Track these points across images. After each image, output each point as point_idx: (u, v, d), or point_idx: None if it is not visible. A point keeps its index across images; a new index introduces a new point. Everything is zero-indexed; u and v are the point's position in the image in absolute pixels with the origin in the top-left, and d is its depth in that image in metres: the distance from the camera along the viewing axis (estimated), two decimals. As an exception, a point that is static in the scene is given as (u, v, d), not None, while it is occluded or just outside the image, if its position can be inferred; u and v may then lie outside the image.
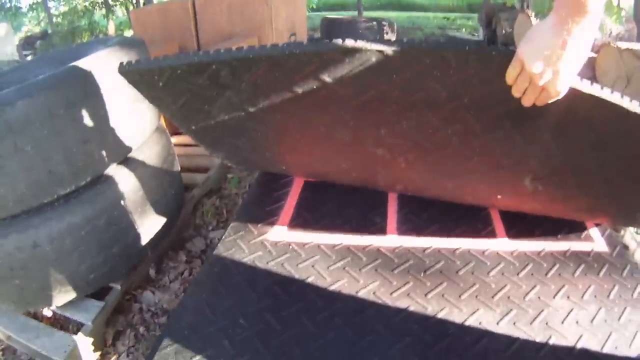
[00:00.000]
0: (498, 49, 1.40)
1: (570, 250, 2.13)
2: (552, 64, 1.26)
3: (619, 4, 5.61)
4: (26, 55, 10.50)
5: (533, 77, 1.31)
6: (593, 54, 6.05)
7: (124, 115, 2.49)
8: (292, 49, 1.55)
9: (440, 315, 1.79)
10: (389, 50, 1.47)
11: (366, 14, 17.36)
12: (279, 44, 1.57)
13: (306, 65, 1.60)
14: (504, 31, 8.29)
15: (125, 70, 1.88)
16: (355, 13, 16.82)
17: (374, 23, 6.73)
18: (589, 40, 1.23)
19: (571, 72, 1.29)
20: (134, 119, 2.59)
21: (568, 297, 1.85)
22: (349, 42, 1.50)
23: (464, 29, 12.97)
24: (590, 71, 6.04)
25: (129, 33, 10.23)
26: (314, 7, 17.15)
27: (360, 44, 1.49)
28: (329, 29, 6.84)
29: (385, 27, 6.86)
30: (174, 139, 3.89)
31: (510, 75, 1.38)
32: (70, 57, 2.71)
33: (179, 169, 3.21)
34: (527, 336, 1.68)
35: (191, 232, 3.28)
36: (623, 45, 5.55)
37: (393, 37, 7.31)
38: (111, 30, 10.65)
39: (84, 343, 2.27)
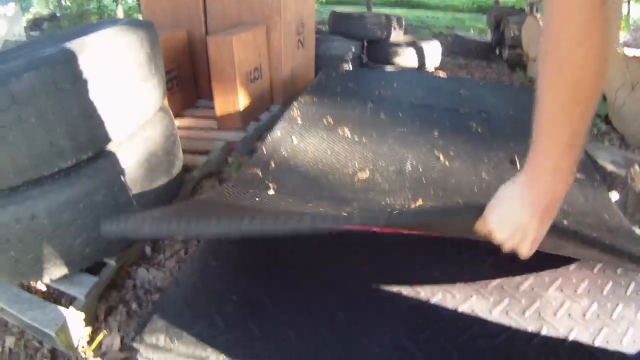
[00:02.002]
0: (469, 206, 1.42)
1: (566, 245, 2.14)
2: (521, 232, 1.21)
3: (628, 12, 5.64)
4: (34, 37, 10.51)
5: (501, 242, 1.27)
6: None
7: (130, 92, 2.50)
8: (287, 225, 1.54)
9: (433, 301, 1.80)
10: (379, 222, 1.50)
11: (375, 10, 17.38)
12: (270, 218, 1.56)
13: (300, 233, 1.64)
14: (512, 34, 8.31)
15: (107, 230, 1.85)
16: (364, 9, 16.88)
17: (382, 18, 6.72)
18: (559, 201, 1.19)
19: (540, 235, 1.23)
20: (139, 97, 2.60)
21: (562, 290, 1.86)
22: (336, 222, 1.58)
23: (472, 30, 12.97)
24: None
25: (137, 17, 10.24)
26: (323, 1, 17.18)
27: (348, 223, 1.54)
28: (337, 22, 6.87)
29: (393, 23, 6.87)
30: (177, 122, 3.92)
31: (480, 233, 1.33)
32: (79, 35, 2.73)
33: (181, 149, 3.22)
34: (518, 326, 1.69)
35: None
36: (630, 52, 5.56)
37: (401, 33, 7.34)
38: (120, 14, 10.66)
39: (76, 317, 2.28)
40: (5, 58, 2.93)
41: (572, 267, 1.99)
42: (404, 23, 7.49)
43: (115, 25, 2.50)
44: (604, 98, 5.98)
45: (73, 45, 2.18)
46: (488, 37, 10.16)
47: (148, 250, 2.87)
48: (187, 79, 4.80)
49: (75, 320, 2.27)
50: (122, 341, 2.36)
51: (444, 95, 4.30)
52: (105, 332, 2.38)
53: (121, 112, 2.45)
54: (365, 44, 7.05)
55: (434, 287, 1.86)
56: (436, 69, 7.46)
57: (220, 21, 4.81)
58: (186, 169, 3.42)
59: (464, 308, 1.76)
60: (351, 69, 6.51)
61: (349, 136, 3.07)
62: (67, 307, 2.31)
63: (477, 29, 13.10)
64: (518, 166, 2.92)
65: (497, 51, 9.53)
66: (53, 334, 2.18)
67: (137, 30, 2.60)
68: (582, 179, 2.85)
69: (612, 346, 1.63)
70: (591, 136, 5.67)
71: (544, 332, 1.66)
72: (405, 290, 1.84)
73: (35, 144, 2.06)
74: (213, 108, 4.38)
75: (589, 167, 3.08)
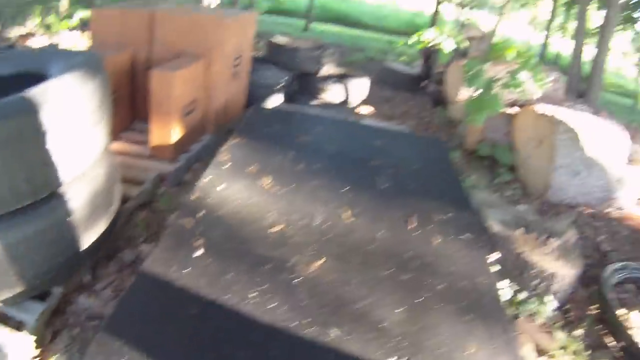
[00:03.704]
0: None
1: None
2: None
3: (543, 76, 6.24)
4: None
5: None
6: (514, 111, 6.65)
7: (82, 138, 2.83)
8: None
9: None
10: None
11: (314, 26, 17.96)
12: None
13: None
14: (438, 71, 8.87)
15: None
16: (303, 22, 17.45)
17: (315, 52, 7.17)
18: None
19: None
20: (89, 141, 2.92)
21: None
22: None
23: (404, 57, 13.54)
24: (508, 127, 6.66)
25: (81, 12, 10.21)
26: (264, 11, 17.61)
27: None
28: (272, 52, 7.33)
29: (325, 55, 7.35)
30: (113, 145, 4.32)
31: None
32: (28, 61, 3.16)
33: (121, 185, 3.59)
34: None
35: (123, 243, 3.65)
36: (541, 110, 6.16)
37: (333, 65, 7.83)
38: (63, 7, 10.69)
39: (27, 340, 2.64)
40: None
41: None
42: (336, 54, 7.97)
43: (68, 70, 2.79)
44: (512, 148, 6.54)
45: (37, 93, 2.48)
46: (418, 66, 10.72)
47: (88, 278, 3.23)
48: (125, 100, 5.10)
49: (27, 342, 2.63)
50: (67, 365, 2.73)
51: (359, 145, 4.75)
52: (53, 355, 2.73)
53: (74, 156, 2.77)
54: (298, 75, 7.45)
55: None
56: (363, 102, 7.97)
57: (165, 49, 5.11)
58: (122, 199, 3.73)
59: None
60: (282, 99, 6.95)
61: (269, 187, 3.52)
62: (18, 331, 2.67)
63: (409, 56, 13.65)
64: (408, 227, 3.42)
65: (425, 83, 10.06)
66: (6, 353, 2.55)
67: (94, 78, 2.90)
68: (470, 239, 3.36)
69: None
70: (494, 185, 6.25)
71: None
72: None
73: (-3, 188, 2.40)
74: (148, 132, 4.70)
75: (477, 227, 3.58)
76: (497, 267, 3.76)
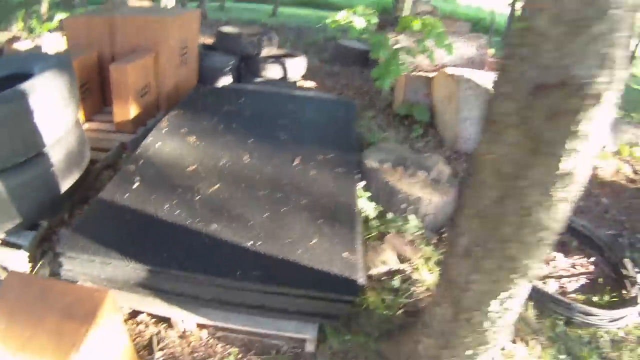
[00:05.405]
0: None
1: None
2: None
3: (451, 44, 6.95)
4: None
5: None
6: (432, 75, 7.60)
7: (57, 115, 3.91)
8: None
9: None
10: None
11: (282, 10, 18.80)
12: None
13: None
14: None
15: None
16: (271, 7, 18.36)
17: (255, 38, 8.25)
18: None
19: None
20: (63, 117, 3.99)
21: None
22: None
23: (366, 34, 14.23)
24: (428, 89, 7.61)
25: (60, 15, 10.95)
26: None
27: None
28: (220, 40, 8.49)
29: (264, 40, 8.43)
30: (87, 125, 5.56)
31: None
32: (17, 66, 4.23)
33: (89, 149, 4.73)
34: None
35: (93, 192, 4.75)
36: (449, 71, 7.06)
37: (274, 48, 8.91)
38: (44, 8, 11.53)
39: (23, 257, 3.76)
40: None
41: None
42: (276, 39, 9.00)
43: (46, 70, 3.85)
44: (430, 108, 7.51)
45: (26, 86, 3.55)
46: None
47: (66, 216, 4.37)
48: (96, 89, 6.24)
49: (23, 259, 3.75)
50: (50, 271, 3.81)
51: (274, 109, 5.80)
52: (40, 265, 3.81)
53: (52, 127, 3.84)
54: (242, 58, 8.54)
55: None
56: (303, 78, 9.02)
57: (123, 46, 6.31)
58: (93, 162, 4.90)
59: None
60: (231, 79, 8.08)
61: (193, 142, 4.64)
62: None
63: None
64: (294, 163, 4.48)
65: (378, 57, 10.57)
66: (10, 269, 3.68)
67: (64, 74, 3.97)
68: (342, 172, 4.40)
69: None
70: (410, 140, 7.15)
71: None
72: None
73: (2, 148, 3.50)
74: (114, 114, 5.86)
75: (351, 164, 4.63)
76: (367, 194, 4.77)
